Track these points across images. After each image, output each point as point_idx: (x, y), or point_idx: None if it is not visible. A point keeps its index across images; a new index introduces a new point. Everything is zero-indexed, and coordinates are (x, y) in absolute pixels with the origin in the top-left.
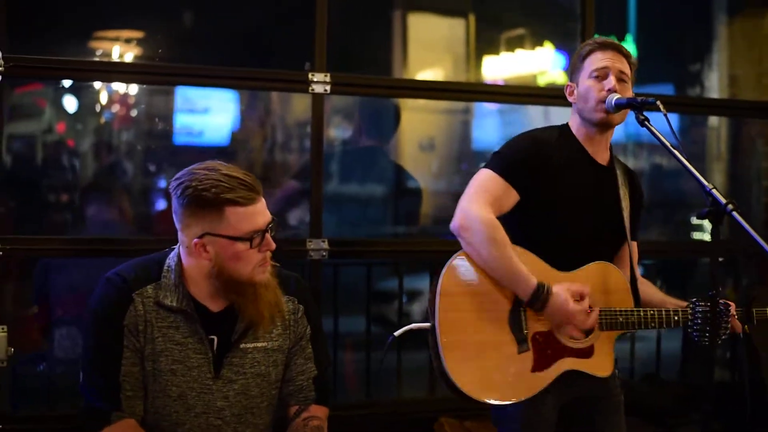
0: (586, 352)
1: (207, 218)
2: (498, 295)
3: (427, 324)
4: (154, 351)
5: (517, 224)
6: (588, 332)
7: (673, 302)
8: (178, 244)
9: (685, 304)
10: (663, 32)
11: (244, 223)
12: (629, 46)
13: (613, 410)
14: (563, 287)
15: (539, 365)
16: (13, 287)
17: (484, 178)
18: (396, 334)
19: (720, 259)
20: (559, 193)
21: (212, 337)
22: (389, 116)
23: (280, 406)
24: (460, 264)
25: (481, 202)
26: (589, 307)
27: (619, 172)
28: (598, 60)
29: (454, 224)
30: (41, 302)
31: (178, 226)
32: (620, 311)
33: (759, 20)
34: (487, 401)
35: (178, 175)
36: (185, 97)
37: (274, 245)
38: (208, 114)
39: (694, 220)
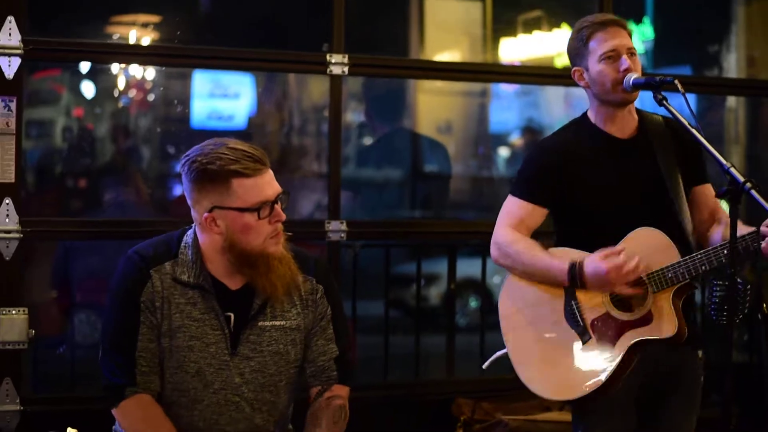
0: (645, 320)
1: (214, 191)
2: (549, 300)
3: (505, 350)
4: (171, 327)
5: (562, 232)
6: (643, 298)
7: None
8: (194, 225)
9: (751, 229)
10: (680, 14)
11: (251, 194)
12: (647, 28)
13: (687, 388)
14: (594, 255)
15: (604, 348)
16: (34, 270)
17: (508, 204)
18: (484, 366)
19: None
20: (588, 187)
21: (229, 314)
22: (399, 99)
23: (302, 387)
24: (508, 286)
25: (502, 226)
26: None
27: (652, 134)
28: (604, 41)
29: (493, 257)
30: (61, 286)
31: (189, 202)
32: (666, 267)
33: None
34: (575, 398)
35: (187, 153)
36: (202, 80)
37: (283, 216)
38: (226, 98)
39: None
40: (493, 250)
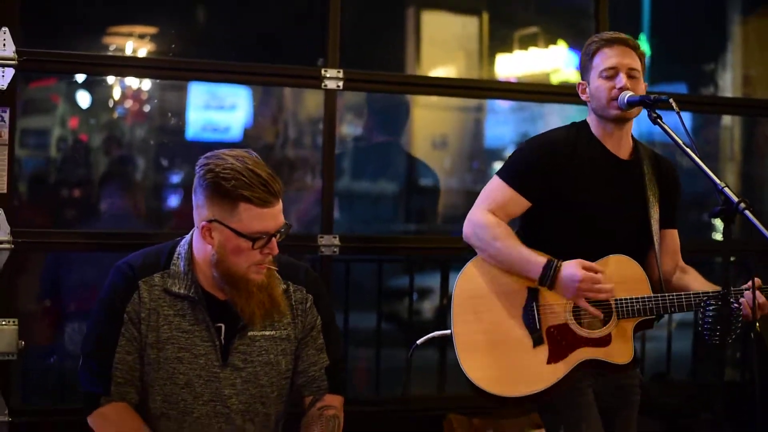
0: (604, 341)
1: (220, 207)
2: (508, 294)
3: (448, 331)
4: (159, 339)
5: (535, 229)
6: (606, 321)
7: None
8: (191, 231)
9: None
10: (677, 32)
11: (253, 223)
12: (643, 45)
13: (630, 406)
14: (574, 261)
15: (555, 357)
16: (24, 280)
17: (492, 186)
18: (418, 342)
19: (732, 259)
20: (576, 193)
21: (219, 324)
22: (400, 112)
23: (294, 397)
24: (472, 270)
25: (483, 208)
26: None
27: (645, 163)
28: (606, 58)
29: (464, 234)
30: (52, 296)
31: (194, 203)
32: (636, 298)
33: None
34: (504, 395)
35: (207, 154)
36: (198, 92)
37: (276, 250)
38: (222, 110)
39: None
40: (467, 228)
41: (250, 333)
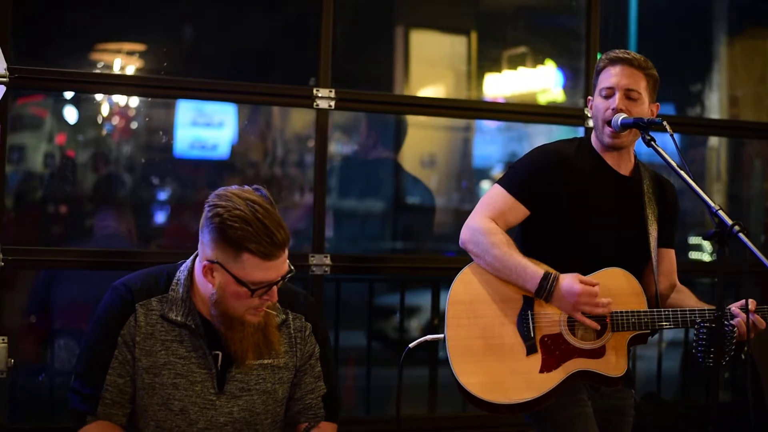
0: (597, 353)
1: (224, 251)
2: (504, 301)
3: (441, 335)
4: (156, 364)
5: (533, 238)
6: (600, 333)
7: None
8: (192, 255)
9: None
10: (664, 52)
11: (256, 273)
12: None
13: (624, 426)
14: (572, 275)
15: (547, 366)
16: (14, 298)
17: (493, 193)
18: (411, 345)
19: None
20: (575, 205)
21: (217, 352)
22: (395, 128)
23: (288, 423)
24: (469, 274)
25: (482, 214)
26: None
27: (646, 182)
28: (607, 77)
29: (461, 239)
30: (39, 313)
31: (200, 237)
32: (631, 312)
33: (759, 41)
34: (495, 402)
35: (218, 191)
36: (185, 109)
37: (276, 298)
38: (210, 127)
39: (692, 240)
40: (465, 234)
41: (248, 361)
